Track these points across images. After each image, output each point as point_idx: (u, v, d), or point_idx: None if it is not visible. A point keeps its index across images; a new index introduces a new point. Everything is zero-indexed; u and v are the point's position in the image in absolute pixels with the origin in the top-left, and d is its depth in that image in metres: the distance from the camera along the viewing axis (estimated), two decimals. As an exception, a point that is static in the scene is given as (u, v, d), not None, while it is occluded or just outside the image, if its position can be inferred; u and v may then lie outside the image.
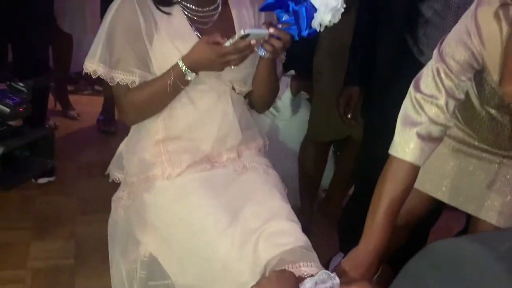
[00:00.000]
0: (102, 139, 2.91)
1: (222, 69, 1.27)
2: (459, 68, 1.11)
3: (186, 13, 1.31)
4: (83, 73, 1.34)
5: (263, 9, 1.29)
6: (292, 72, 2.16)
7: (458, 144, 1.40)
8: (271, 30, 1.21)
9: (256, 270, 1.08)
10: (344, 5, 1.19)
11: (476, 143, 1.37)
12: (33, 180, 2.45)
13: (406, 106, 1.17)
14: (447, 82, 1.12)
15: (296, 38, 1.24)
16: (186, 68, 1.24)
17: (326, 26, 1.21)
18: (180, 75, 1.24)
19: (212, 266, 1.16)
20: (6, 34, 2.24)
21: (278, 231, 1.13)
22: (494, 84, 1.15)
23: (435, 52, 1.15)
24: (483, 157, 1.38)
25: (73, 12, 2.89)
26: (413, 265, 0.54)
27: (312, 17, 1.18)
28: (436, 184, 1.46)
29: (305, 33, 1.21)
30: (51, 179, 2.46)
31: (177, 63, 1.24)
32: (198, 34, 1.31)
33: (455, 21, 1.17)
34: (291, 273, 1.01)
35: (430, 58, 1.18)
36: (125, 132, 1.47)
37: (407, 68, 1.42)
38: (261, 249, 1.11)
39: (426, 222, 1.87)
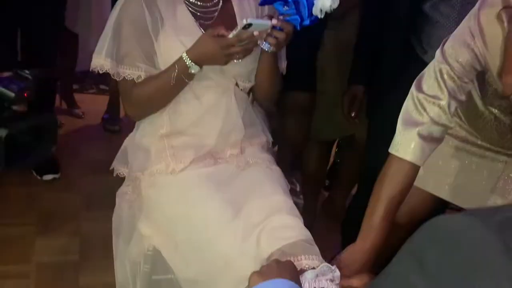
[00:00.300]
0: (106, 137, 2.92)
1: (226, 63, 1.28)
2: (462, 69, 1.11)
3: (190, 9, 1.33)
4: (90, 71, 1.36)
5: (262, 3, 1.31)
6: None
7: (461, 143, 1.41)
8: (274, 21, 1.22)
9: (258, 264, 1.08)
10: None
11: (479, 142, 1.38)
12: (38, 177, 2.48)
13: (408, 106, 1.17)
14: (450, 83, 1.12)
15: (298, 28, 1.25)
16: (190, 61, 1.25)
17: (326, 12, 1.21)
18: (184, 68, 1.26)
19: (214, 260, 1.17)
20: (16, 23, 2.26)
21: (280, 226, 1.14)
22: (497, 85, 1.16)
23: (438, 53, 1.16)
24: (486, 156, 1.38)
25: (79, 11, 2.91)
26: (413, 240, 0.55)
27: (312, 4, 1.19)
28: (439, 183, 1.47)
29: (307, 21, 1.22)
30: (56, 176, 2.48)
31: (181, 56, 1.26)
32: (202, 29, 1.32)
33: (459, 21, 1.17)
34: (292, 263, 1.01)
35: (433, 57, 1.18)
36: (130, 130, 1.49)
37: (412, 67, 1.42)
38: (263, 243, 1.12)
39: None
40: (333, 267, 1.03)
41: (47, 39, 2.30)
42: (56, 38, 2.42)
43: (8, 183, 2.40)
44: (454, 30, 1.17)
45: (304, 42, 1.85)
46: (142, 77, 1.29)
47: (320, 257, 1.07)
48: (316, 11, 1.20)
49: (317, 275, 0.99)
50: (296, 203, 1.29)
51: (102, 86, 3.47)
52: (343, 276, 1.05)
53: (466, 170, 1.42)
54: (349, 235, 2.00)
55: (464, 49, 1.10)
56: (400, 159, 1.14)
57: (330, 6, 1.20)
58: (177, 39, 1.29)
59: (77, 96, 3.26)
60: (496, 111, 1.26)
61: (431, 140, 1.14)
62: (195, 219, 1.22)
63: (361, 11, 1.90)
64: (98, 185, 2.35)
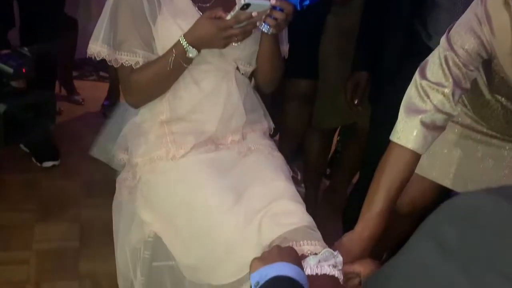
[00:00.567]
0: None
1: (224, 46, 1.26)
2: (468, 57, 1.09)
3: None
4: (89, 58, 1.35)
5: None
6: None
7: (467, 130, 1.39)
8: (273, 1, 1.19)
9: (260, 250, 1.07)
10: None
11: (485, 130, 1.36)
12: (37, 164, 2.47)
13: (411, 94, 1.15)
14: (455, 70, 1.10)
15: (298, 7, 1.23)
16: (188, 45, 1.22)
17: None
18: (182, 53, 1.23)
19: (216, 246, 1.15)
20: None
21: (282, 212, 1.13)
22: (504, 73, 1.14)
23: (443, 39, 1.14)
24: (492, 143, 1.36)
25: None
26: (428, 222, 0.54)
27: None
28: (443, 171, 1.45)
29: (307, 1, 1.20)
30: (55, 162, 2.47)
31: (179, 40, 1.23)
32: (200, 12, 1.29)
33: (466, 6, 1.15)
34: (293, 248, 1.01)
35: (439, 43, 1.16)
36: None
37: (416, 53, 1.40)
38: (265, 229, 1.10)
39: (431, 211, 1.86)
40: (335, 253, 1.02)
41: (46, 14, 2.26)
42: (56, 14, 2.39)
43: (8, 170, 2.39)
44: (460, 15, 1.14)
45: (306, 28, 1.83)
46: (140, 63, 1.27)
47: (323, 243, 1.06)
48: None
49: (319, 261, 0.98)
50: (297, 191, 1.27)
51: (102, 73, 3.45)
52: (345, 262, 1.04)
53: (471, 159, 1.40)
54: (350, 223, 1.99)
55: (470, 36, 1.08)
56: (401, 147, 1.12)
57: None
58: (175, 23, 1.26)
59: (77, 83, 3.24)
60: (503, 99, 1.24)
61: (434, 128, 1.12)
62: (196, 205, 1.20)
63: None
64: (98, 171, 2.33)
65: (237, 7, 1.18)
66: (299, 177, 2.39)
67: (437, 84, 1.11)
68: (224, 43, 1.24)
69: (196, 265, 1.21)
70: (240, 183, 1.22)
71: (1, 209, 2.15)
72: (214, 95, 1.33)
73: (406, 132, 1.11)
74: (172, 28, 1.26)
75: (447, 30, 1.14)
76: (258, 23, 1.23)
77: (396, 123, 1.15)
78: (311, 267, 0.98)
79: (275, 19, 1.22)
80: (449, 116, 1.14)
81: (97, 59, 1.31)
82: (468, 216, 0.50)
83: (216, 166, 1.26)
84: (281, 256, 0.92)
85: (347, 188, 2.40)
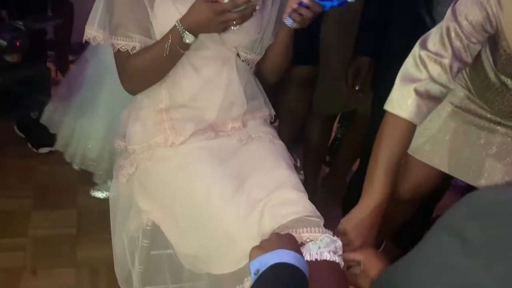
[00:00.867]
0: (103, 109, 2.87)
1: (222, 30, 1.22)
2: (471, 29, 1.08)
3: None
4: (84, 42, 1.32)
5: None
6: None
7: (470, 116, 1.37)
8: (306, 0, 1.20)
9: (260, 240, 1.05)
10: None
11: (489, 115, 1.34)
12: (34, 150, 2.45)
13: (408, 63, 1.15)
14: (455, 41, 1.10)
15: (325, 9, 1.24)
16: (184, 29, 1.18)
17: None
18: (178, 38, 1.19)
19: (216, 236, 1.13)
20: None
21: (284, 201, 1.10)
22: (510, 49, 1.12)
23: (448, 11, 1.13)
24: (496, 130, 1.35)
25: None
26: (448, 217, 0.51)
27: None
28: (445, 158, 1.44)
29: (335, 3, 1.21)
30: (52, 148, 2.43)
31: (175, 25, 1.19)
32: None
33: None
34: (292, 235, 1.00)
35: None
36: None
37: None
38: (266, 219, 1.08)
39: (432, 198, 1.85)
40: (335, 238, 1.00)
41: None
42: None
43: (4, 156, 2.37)
44: None
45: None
46: (137, 48, 1.23)
47: (322, 229, 1.04)
48: None
49: (319, 247, 0.97)
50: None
51: (98, 58, 3.41)
52: (347, 248, 1.03)
53: (474, 146, 1.39)
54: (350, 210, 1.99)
55: (476, 7, 1.07)
56: (396, 116, 1.11)
57: None
58: (173, 7, 1.22)
59: (73, 68, 3.20)
60: (509, 81, 1.22)
61: (428, 98, 1.12)
62: (196, 193, 1.17)
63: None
64: (95, 158, 2.31)
65: None
66: (298, 164, 2.37)
67: (436, 54, 1.10)
68: (222, 27, 1.20)
69: (195, 254, 1.19)
70: (241, 171, 1.19)
71: (-3, 195, 2.14)
72: (214, 82, 1.30)
73: (400, 101, 1.11)
74: (170, 12, 1.22)
75: (453, 2, 1.13)
76: (258, 6, 1.21)
77: (391, 93, 1.14)
78: (311, 253, 0.97)
79: (301, 15, 1.22)
80: (445, 88, 1.13)
81: (93, 44, 1.28)
82: (491, 211, 0.48)
83: (216, 153, 1.24)
84: (280, 244, 0.92)
85: (346, 175, 2.39)
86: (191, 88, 1.30)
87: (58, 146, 2.14)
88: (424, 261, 0.52)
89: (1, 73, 1.49)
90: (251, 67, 1.41)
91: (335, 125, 2.52)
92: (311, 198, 1.16)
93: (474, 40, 1.09)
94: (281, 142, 1.36)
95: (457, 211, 0.51)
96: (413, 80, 1.11)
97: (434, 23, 1.53)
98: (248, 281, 1.03)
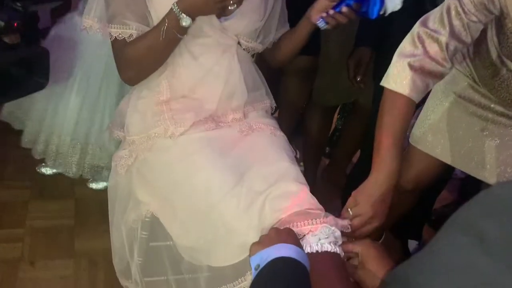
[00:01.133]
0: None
1: (219, 12, 1.20)
2: (472, 7, 1.08)
3: None
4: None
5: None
6: None
7: (473, 106, 1.36)
8: (344, 9, 1.23)
9: (261, 233, 1.04)
10: None
11: (492, 105, 1.32)
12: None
13: (405, 40, 1.16)
14: (455, 20, 1.10)
15: (357, 14, 1.28)
16: (180, 12, 1.16)
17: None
18: (175, 21, 1.16)
19: (216, 228, 1.12)
20: None
21: (285, 193, 1.09)
22: None
23: None
24: (499, 121, 1.33)
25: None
26: (461, 216, 0.50)
27: (383, 3, 1.24)
28: (447, 149, 1.43)
29: (372, 17, 1.25)
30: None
31: (171, 8, 1.17)
32: None
33: None
34: (291, 229, 0.99)
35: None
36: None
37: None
38: (267, 212, 1.06)
39: (433, 190, 1.84)
40: (333, 228, 1.00)
41: None
42: None
43: (1, 146, 2.34)
44: None
45: (307, 2, 1.77)
46: (134, 36, 1.21)
47: (321, 219, 1.03)
48: (385, 10, 1.25)
49: (319, 239, 0.96)
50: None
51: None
52: (347, 242, 1.03)
53: (476, 137, 1.37)
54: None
55: None
56: (394, 92, 1.12)
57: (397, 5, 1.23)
58: None
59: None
60: None
61: (423, 73, 1.12)
62: (195, 185, 1.16)
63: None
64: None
65: None
66: (298, 156, 2.36)
67: (434, 31, 1.11)
68: (218, 8, 1.18)
69: (195, 247, 1.18)
70: (242, 163, 1.18)
71: (-5, 185, 2.12)
72: (215, 72, 1.28)
73: (395, 76, 1.12)
74: None
75: None
76: (313, 18, 1.27)
77: (388, 69, 1.16)
78: (311, 245, 0.96)
79: (337, 21, 1.25)
80: (442, 66, 1.13)
81: (89, 33, 1.26)
82: (507, 208, 0.46)
83: (217, 145, 1.22)
84: (280, 238, 0.92)
85: (347, 166, 2.37)
86: (191, 78, 1.27)
87: (25, 143, 2.11)
88: (439, 261, 0.50)
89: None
90: (252, 55, 1.39)
91: (335, 116, 2.51)
92: (311, 190, 1.15)
93: (474, 18, 1.09)
94: (282, 134, 1.34)
95: (470, 210, 0.50)
96: (408, 55, 1.12)
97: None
98: (250, 275, 1.02)
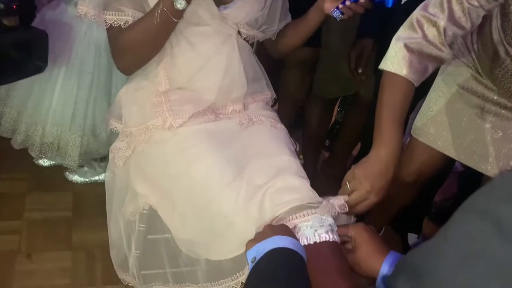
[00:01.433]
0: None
1: None
2: None
3: None
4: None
5: None
6: None
7: (476, 98, 1.34)
8: (362, 0, 1.21)
9: (261, 227, 1.02)
10: None
11: (495, 97, 1.31)
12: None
13: (404, 25, 1.17)
14: (455, 5, 1.09)
15: (389, 5, 1.26)
16: None
17: None
18: (169, 4, 1.12)
19: (214, 222, 1.10)
20: None
21: (285, 187, 1.07)
22: None
23: None
24: (502, 114, 1.31)
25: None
26: (477, 200, 0.49)
27: None
28: (449, 142, 1.41)
29: (389, 4, 1.23)
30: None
31: None
32: None
33: None
34: (284, 225, 0.99)
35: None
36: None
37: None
38: (267, 206, 1.05)
39: (433, 184, 1.82)
40: (324, 217, 0.98)
41: None
42: None
43: (-3, 137, 2.32)
44: None
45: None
46: (130, 23, 1.18)
47: (311, 210, 1.02)
48: None
49: (315, 230, 0.95)
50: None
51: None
52: (340, 227, 1.02)
53: (478, 129, 1.35)
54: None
55: None
56: (392, 73, 1.12)
57: None
58: None
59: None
60: None
61: (420, 54, 1.13)
62: (194, 177, 1.14)
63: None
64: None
65: None
66: (297, 149, 2.34)
67: (433, 15, 1.11)
68: None
69: (193, 240, 1.16)
70: (242, 155, 1.16)
71: (-9, 177, 2.10)
72: (214, 61, 1.26)
73: (393, 58, 1.13)
74: None
75: None
76: (327, 8, 1.26)
77: (386, 52, 1.16)
78: (308, 237, 0.95)
79: (354, 11, 1.24)
80: (439, 51, 1.13)
81: (84, 20, 1.24)
82: None
83: (216, 137, 1.20)
84: (274, 233, 0.90)
85: (347, 159, 2.36)
86: (190, 68, 1.25)
87: (1, 131, 2.04)
88: (454, 247, 0.49)
89: (-1, 35, 1.47)
90: (252, 44, 1.36)
91: (335, 109, 2.49)
92: (311, 183, 1.13)
93: (475, 3, 1.08)
94: (282, 126, 1.32)
95: (487, 196, 0.48)
96: (405, 38, 1.13)
97: None
98: (248, 269, 1.00)
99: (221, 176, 1.11)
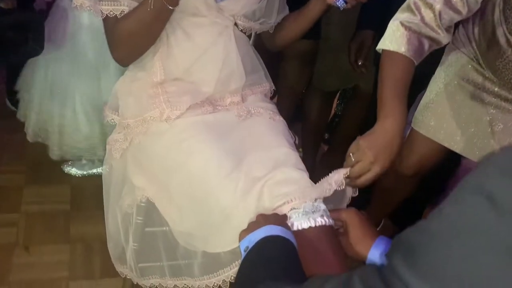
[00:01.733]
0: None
1: None
2: None
3: None
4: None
5: None
6: None
7: (477, 90, 1.33)
8: None
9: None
10: None
11: (496, 89, 1.29)
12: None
13: (402, 8, 1.18)
14: None
15: None
16: None
17: None
18: None
19: (212, 214, 1.09)
20: None
21: (284, 180, 1.06)
22: None
23: None
24: (503, 106, 1.30)
25: None
26: (473, 176, 0.48)
27: None
28: (450, 134, 1.40)
29: None
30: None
31: None
32: None
33: None
34: (277, 214, 0.99)
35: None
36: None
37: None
38: (265, 198, 1.04)
39: (434, 177, 1.81)
40: (316, 203, 0.98)
41: None
42: None
43: (-5, 130, 2.31)
44: None
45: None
46: (125, 12, 1.16)
47: (303, 197, 1.01)
48: None
49: (309, 218, 0.96)
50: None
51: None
52: (332, 211, 1.02)
53: (479, 122, 1.35)
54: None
55: None
56: (390, 52, 1.13)
57: None
58: None
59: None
60: None
61: (417, 33, 1.13)
62: (192, 169, 1.13)
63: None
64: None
65: None
66: (296, 142, 2.33)
67: None
68: None
69: (191, 232, 1.15)
70: (240, 148, 1.14)
71: (-11, 170, 2.10)
72: (211, 53, 1.24)
73: (391, 36, 1.14)
74: None
75: None
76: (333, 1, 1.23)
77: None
78: (301, 223, 0.97)
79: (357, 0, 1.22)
80: (436, 33, 1.14)
81: (79, 10, 1.22)
82: None
83: (214, 128, 1.18)
84: (267, 222, 0.90)
85: (346, 153, 2.34)
86: (186, 59, 1.24)
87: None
88: (446, 223, 0.48)
89: (-5, 18, 1.47)
90: (250, 35, 1.35)
91: (335, 102, 2.47)
92: (310, 176, 1.12)
93: None
94: (281, 118, 1.31)
95: (482, 171, 0.48)
96: (404, 19, 1.14)
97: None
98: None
99: (219, 168, 1.10)
